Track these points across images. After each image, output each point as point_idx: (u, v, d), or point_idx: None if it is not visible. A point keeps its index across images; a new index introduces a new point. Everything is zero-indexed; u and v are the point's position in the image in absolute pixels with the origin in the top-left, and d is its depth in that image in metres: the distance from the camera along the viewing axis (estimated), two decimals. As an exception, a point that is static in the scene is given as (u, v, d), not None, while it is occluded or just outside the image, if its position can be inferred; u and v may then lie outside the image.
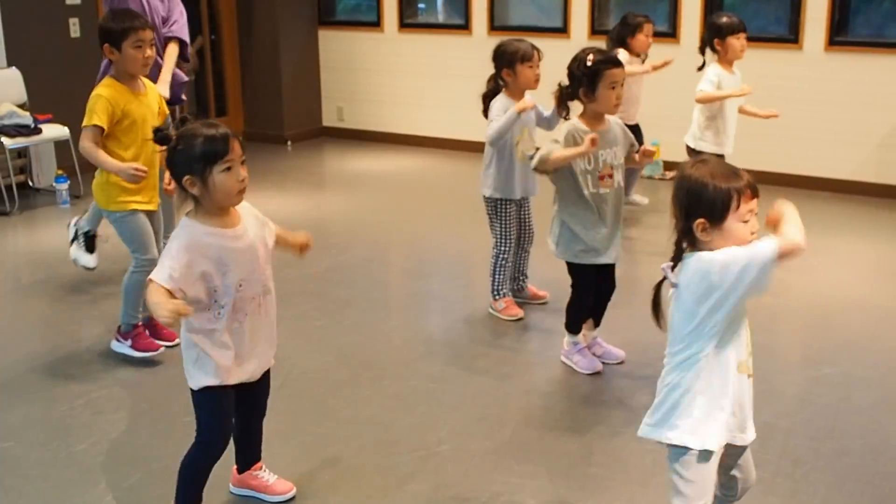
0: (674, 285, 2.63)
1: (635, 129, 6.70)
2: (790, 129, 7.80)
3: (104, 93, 4.32)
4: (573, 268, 4.40)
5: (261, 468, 3.48)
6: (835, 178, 7.73)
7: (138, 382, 4.45)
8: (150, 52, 4.41)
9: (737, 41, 5.62)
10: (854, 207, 7.35)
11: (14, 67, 7.69)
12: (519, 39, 4.98)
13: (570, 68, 4.22)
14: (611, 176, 4.23)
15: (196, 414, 3.15)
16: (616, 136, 4.26)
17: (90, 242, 5.45)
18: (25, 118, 7.42)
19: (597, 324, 4.59)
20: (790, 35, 7.69)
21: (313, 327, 5.07)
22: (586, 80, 4.10)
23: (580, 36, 8.50)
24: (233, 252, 2.98)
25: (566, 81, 4.26)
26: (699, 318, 2.59)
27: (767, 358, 4.71)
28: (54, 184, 7.62)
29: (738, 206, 2.55)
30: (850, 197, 7.59)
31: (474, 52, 9.14)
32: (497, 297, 5.16)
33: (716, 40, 5.69)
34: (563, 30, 8.59)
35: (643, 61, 6.77)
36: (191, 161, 2.88)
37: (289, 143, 9.87)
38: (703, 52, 5.85)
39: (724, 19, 5.72)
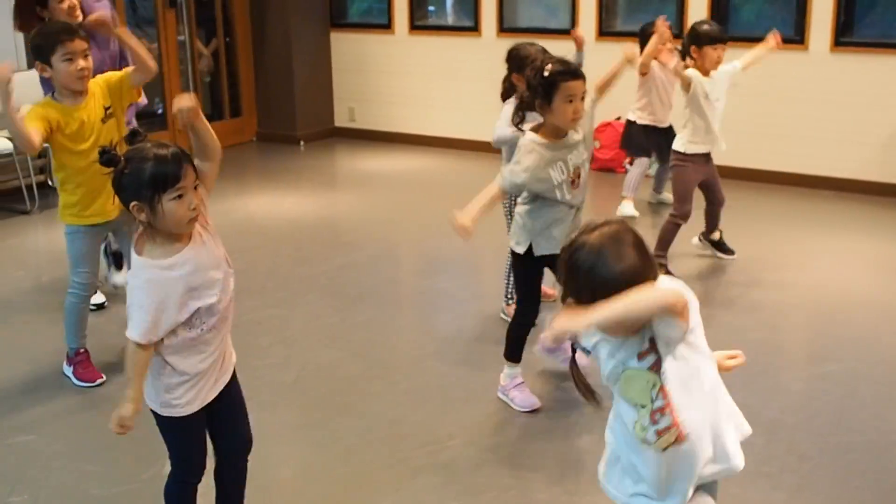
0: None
1: (669, 132, 6.64)
2: (795, 129, 7.79)
3: (37, 108, 4.16)
4: (524, 278, 4.13)
5: None
6: (839, 178, 7.71)
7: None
8: (83, 62, 4.07)
9: (713, 51, 5.43)
10: (858, 206, 7.33)
11: (33, 70, 7.65)
12: (531, 43, 4.88)
13: (526, 77, 3.94)
14: (579, 176, 3.94)
15: (167, 446, 3.00)
16: (577, 135, 3.93)
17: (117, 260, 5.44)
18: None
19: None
20: (796, 36, 7.67)
21: (326, 324, 5.08)
22: (542, 91, 3.75)
23: (588, 37, 8.45)
24: (196, 274, 2.69)
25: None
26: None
27: (773, 354, 4.72)
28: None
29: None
30: (855, 196, 7.56)
31: (483, 53, 9.15)
32: (511, 301, 5.06)
33: (692, 47, 5.51)
34: (570, 31, 8.55)
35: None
36: (139, 187, 2.57)
37: (301, 143, 9.88)
38: (683, 57, 5.63)
39: (705, 27, 5.55)
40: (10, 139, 7.22)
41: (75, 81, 4.09)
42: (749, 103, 7.39)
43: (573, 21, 8.59)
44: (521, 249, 4.04)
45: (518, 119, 4.12)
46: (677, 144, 5.66)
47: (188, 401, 2.82)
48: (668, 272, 5.52)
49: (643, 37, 6.62)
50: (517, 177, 3.87)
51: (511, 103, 4.67)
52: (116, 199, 2.91)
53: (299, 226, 6.81)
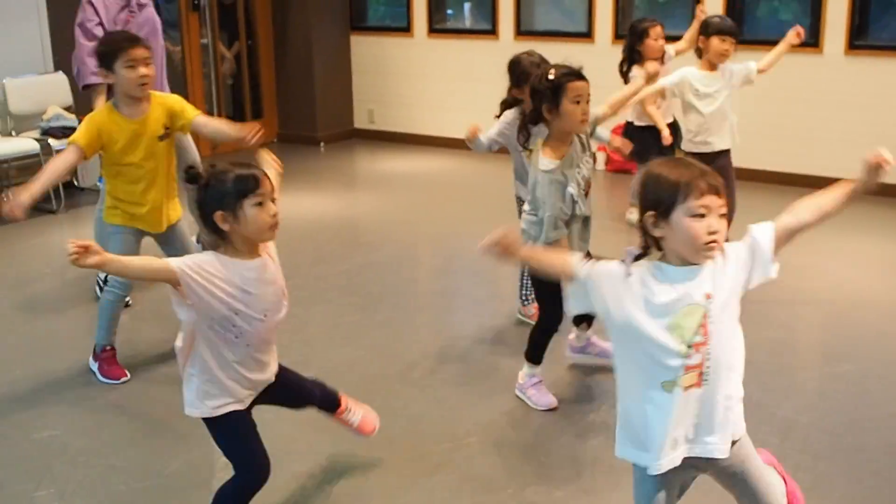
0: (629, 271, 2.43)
1: (674, 126, 6.48)
2: (810, 131, 7.76)
3: (94, 118, 4.20)
4: (543, 283, 3.99)
5: (346, 410, 3.53)
6: (854, 180, 7.64)
7: (178, 374, 4.47)
8: (144, 70, 4.10)
9: (720, 43, 5.31)
10: (871, 208, 7.27)
11: (60, 72, 7.75)
12: (529, 52, 4.76)
13: (531, 85, 3.88)
14: (590, 186, 3.94)
15: (223, 451, 3.09)
16: (581, 145, 3.91)
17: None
18: (71, 121, 7.47)
19: (590, 324, 4.38)
20: (811, 39, 7.62)
21: (346, 322, 5.08)
22: (549, 95, 3.73)
23: (604, 41, 8.48)
24: (256, 282, 2.88)
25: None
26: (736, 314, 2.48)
27: (787, 354, 4.70)
28: (98, 184, 7.65)
29: (686, 198, 2.31)
30: (869, 197, 7.47)
31: (501, 56, 9.05)
32: (526, 302, 5.06)
33: (701, 38, 5.44)
34: (587, 34, 8.56)
35: (664, 62, 6.36)
36: (223, 196, 2.77)
37: (322, 144, 9.89)
38: (697, 51, 5.58)
39: (715, 19, 5.48)
40: (37, 140, 7.28)
41: (136, 88, 4.12)
42: (764, 106, 7.37)
43: (590, 24, 8.58)
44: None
45: (524, 138, 4.09)
46: (685, 146, 5.63)
47: (224, 403, 2.97)
48: None
49: (633, 37, 6.38)
50: (552, 210, 3.80)
51: (512, 112, 4.60)
52: (169, 214, 3.82)
53: (319, 226, 6.82)
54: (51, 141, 7.31)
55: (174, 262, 2.79)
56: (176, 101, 4.36)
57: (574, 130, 3.83)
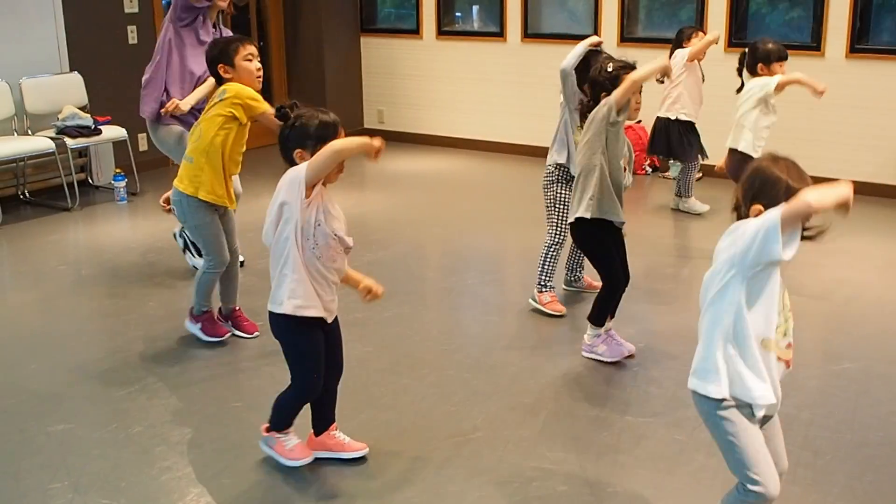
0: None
1: (692, 127, 6.83)
2: (812, 133, 7.74)
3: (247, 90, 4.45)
4: (603, 261, 4.39)
5: (336, 429, 3.62)
6: (854, 180, 7.53)
7: (189, 370, 4.48)
8: (258, 64, 4.49)
9: (780, 68, 5.77)
10: (874, 208, 7.28)
11: (76, 72, 7.76)
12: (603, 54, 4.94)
13: (591, 76, 4.23)
14: (629, 163, 4.40)
15: (290, 364, 3.40)
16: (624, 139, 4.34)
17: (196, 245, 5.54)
18: (86, 120, 7.49)
19: (612, 315, 4.51)
20: (813, 42, 7.63)
21: (355, 318, 5.07)
22: (609, 85, 4.10)
23: (610, 43, 8.45)
24: (331, 209, 3.27)
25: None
26: (724, 282, 2.61)
27: (789, 352, 4.69)
28: (113, 182, 7.69)
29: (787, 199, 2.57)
30: (870, 198, 7.50)
31: (508, 58, 9.15)
32: (543, 289, 5.08)
33: (760, 65, 5.78)
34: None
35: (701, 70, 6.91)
36: (305, 137, 3.19)
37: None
38: (740, 73, 5.95)
39: (770, 45, 5.80)
40: (52, 139, 7.29)
41: (255, 80, 4.47)
42: (767, 108, 7.35)
43: (596, 27, 8.57)
44: (588, 214, 4.25)
45: (581, 120, 4.43)
46: (746, 148, 5.80)
47: (308, 304, 3.26)
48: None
49: (679, 38, 6.87)
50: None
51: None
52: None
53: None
54: (66, 140, 7.32)
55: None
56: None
57: (630, 118, 4.23)
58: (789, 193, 2.57)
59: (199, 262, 5.42)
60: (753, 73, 5.80)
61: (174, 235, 5.78)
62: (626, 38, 8.41)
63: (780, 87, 5.68)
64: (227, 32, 5.71)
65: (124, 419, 4.00)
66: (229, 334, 4.76)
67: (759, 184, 2.65)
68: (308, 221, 3.19)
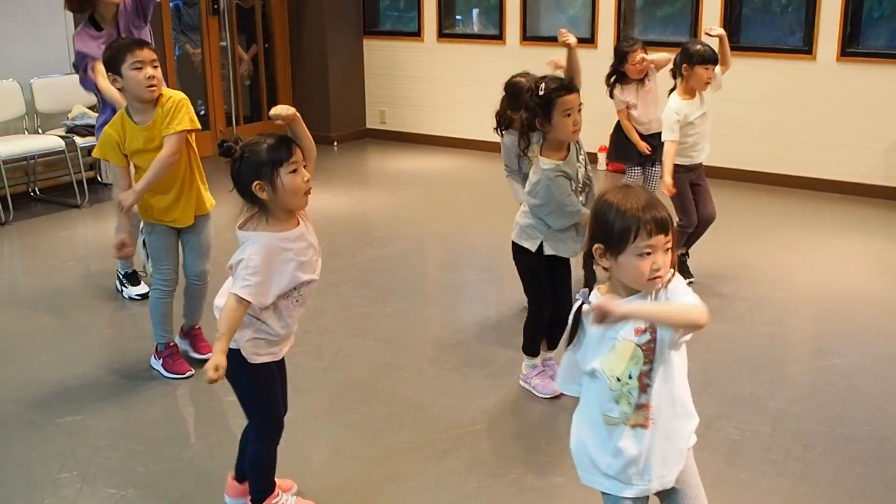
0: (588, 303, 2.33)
1: (655, 138, 6.34)
2: (804, 135, 7.74)
3: (108, 133, 4.08)
4: (534, 275, 4.10)
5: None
6: (845, 181, 7.66)
7: (197, 363, 4.47)
8: (151, 71, 3.96)
9: (704, 72, 5.19)
10: (863, 208, 7.28)
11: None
12: (525, 73, 4.70)
13: (524, 100, 3.86)
14: (589, 186, 3.95)
15: (246, 408, 3.09)
16: (577, 152, 3.89)
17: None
18: (95, 119, 7.48)
19: (550, 346, 4.16)
20: (804, 46, 7.62)
21: (357, 314, 5.09)
22: (540, 110, 3.73)
23: (607, 45, 8.43)
24: (307, 251, 2.91)
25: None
26: None
27: (780, 348, 4.69)
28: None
29: (634, 240, 2.23)
30: (860, 199, 7.51)
31: (508, 60, 9.13)
32: None
33: (684, 65, 5.25)
34: (590, 40, 8.54)
35: (647, 78, 6.01)
36: (259, 166, 2.78)
37: (335, 143, 9.89)
38: (674, 75, 5.40)
39: (697, 47, 5.25)
40: (62, 137, 7.29)
41: (144, 90, 3.97)
42: (760, 110, 7.36)
43: (593, 30, 8.57)
44: (533, 247, 3.99)
45: (524, 144, 3.98)
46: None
47: (266, 352, 2.97)
48: (686, 268, 5.52)
49: (619, 56, 5.97)
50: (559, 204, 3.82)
51: (510, 134, 4.54)
52: (192, 206, 3.81)
53: (332, 221, 6.82)
54: (75, 138, 7.33)
55: (240, 293, 2.75)
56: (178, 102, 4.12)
57: (567, 140, 3.82)
58: (619, 224, 2.26)
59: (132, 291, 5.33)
60: (679, 74, 5.30)
61: None
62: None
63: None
64: (143, 32, 5.15)
65: (132, 411, 4.00)
66: (191, 372, 4.31)
67: (594, 219, 2.35)
68: (286, 293, 2.90)
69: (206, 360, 4.08)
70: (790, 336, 4.95)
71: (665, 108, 5.31)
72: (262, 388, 3.04)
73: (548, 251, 3.98)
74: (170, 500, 3.32)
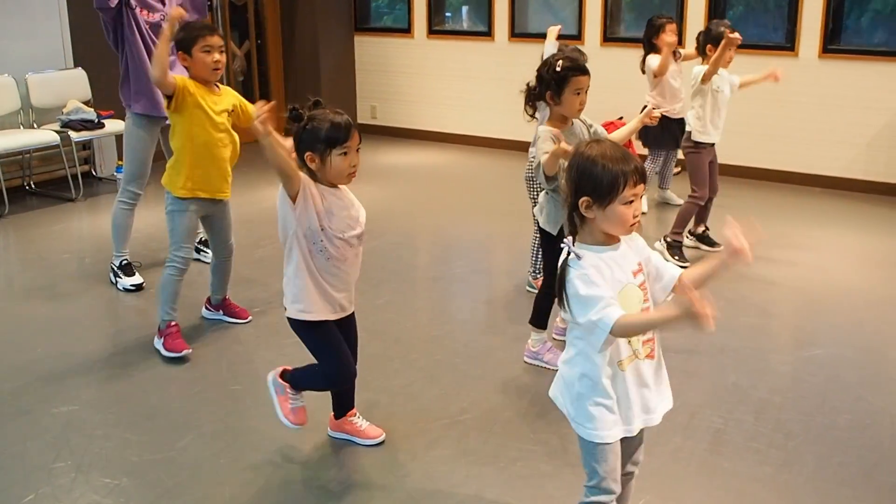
0: (577, 256, 2.46)
1: (682, 123, 6.51)
2: (786, 130, 7.76)
3: (183, 77, 4.31)
4: (553, 256, 4.10)
5: (355, 415, 3.62)
6: (826, 175, 7.68)
7: (189, 355, 4.47)
8: (220, 57, 4.30)
9: (728, 52, 5.43)
10: (844, 202, 7.30)
11: (80, 68, 7.73)
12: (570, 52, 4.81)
13: (539, 71, 4.01)
14: None
15: (314, 356, 3.34)
16: (581, 133, 4.06)
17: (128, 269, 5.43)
18: (90, 114, 7.46)
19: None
20: (787, 43, 7.64)
21: (348, 306, 5.07)
22: (554, 85, 3.89)
23: (594, 42, 8.46)
24: (339, 208, 3.17)
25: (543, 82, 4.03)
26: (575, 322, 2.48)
27: (763, 339, 4.70)
28: (115, 173, 7.66)
29: (622, 189, 2.39)
30: (841, 192, 7.53)
31: (496, 57, 9.14)
32: (538, 275, 5.08)
33: (709, 46, 5.56)
34: (577, 37, 8.54)
35: (676, 59, 6.62)
36: (315, 141, 3.06)
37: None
38: (701, 54, 5.73)
39: (722, 28, 5.52)
40: (57, 132, 7.26)
41: (210, 73, 4.29)
42: (744, 106, 7.35)
43: (580, 27, 8.56)
44: (554, 231, 4.05)
45: (532, 110, 4.16)
46: (694, 136, 5.63)
47: (311, 309, 3.22)
48: (681, 252, 5.61)
49: (651, 30, 6.54)
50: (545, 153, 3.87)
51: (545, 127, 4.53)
52: (229, 182, 4.25)
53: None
54: (70, 133, 7.30)
55: (301, 173, 3.07)
56: (244, 101, 4.53)
57: (572, 116, 4.00)
58: (607, 177, 2.39)
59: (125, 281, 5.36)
60: (705, 55, 5.62)
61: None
62: (609, 37, 8.41)
63: (704, 79, 5.52)
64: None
65: (126, 401, 3.99)
66: (188, 350, 4.40)
67: (578, 173, 2.46)
68: (310, 228, 3.12)
69: (244, 323, 4.38)
70: (772, 327, 4.96)
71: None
72: (320, 343, 3.30)
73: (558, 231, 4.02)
74: (163, 488, 3.31)
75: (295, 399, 3.42)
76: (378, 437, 3.58)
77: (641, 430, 2.64)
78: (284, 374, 3.44)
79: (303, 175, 3.09)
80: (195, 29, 4.33)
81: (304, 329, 3.27)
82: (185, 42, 4.28)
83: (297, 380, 3.42)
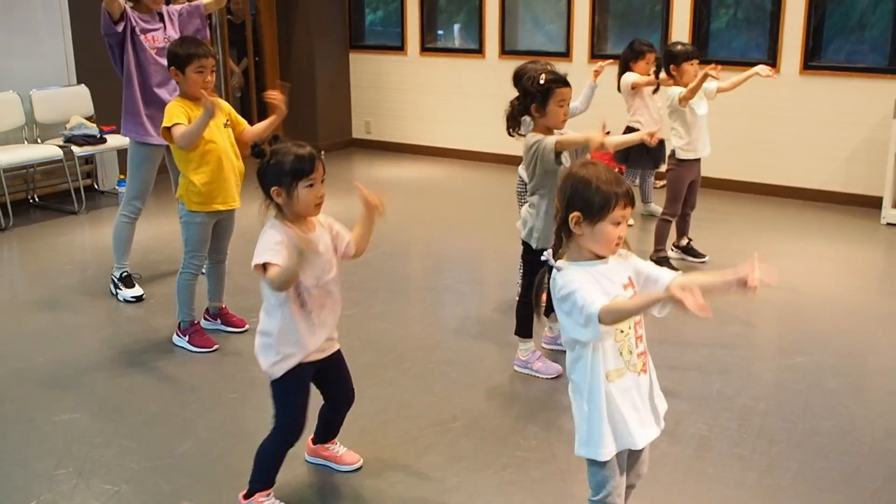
0: (557, 269, 2.50)
1: (661, 144, 6.47)
2: (768, 143, 7.77)
3: (176, 102, 4.32)
4: (531, 265, 4.14)
5: (334, 443, 3.50)
6: (807, 188, 7.69)
7: (186, 363, 4.46)
8: (210, 77, 4.34)
9: (690, 67, 5.50)
10: (824, 214, 7.31)
11: (82, 85, 7.72)
12: (533, 62, 4.83)
13: (523, 85, 4.02)
14: None
15: (275, 405, 3.10)
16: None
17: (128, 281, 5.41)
18: (92, 129, 7.45)
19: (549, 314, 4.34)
20: (769, 60, 7.64)
21: (343, 315, 4.99)
22: (539, 97, 3.90)
23: (581, 59, 8.47)
24: (323, 254, 3.03)
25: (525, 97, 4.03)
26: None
27: (747, 347, 4.70)
28: (117, 187, 7.65)
29: (613, 209, 2.43)
30: (821, 205, 7.55)
31: (487, 73, 9.14)
32: None
33: (671, 66, 5.57)
34: (566, 54, 8.56)
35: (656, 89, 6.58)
36: (281, 174, 2.93)
37: (322, 152, 9.70)
38: (657, 74, 5.80)
39: (679, 47, 5.58)
40: (60, 146, 7.24)
41: (199, 91, 4.28)
42: (726, 120, 7.38)
43: (568, 45, 8.58)
44: (534, 244, 4.08)
45: (515, 125, 4.15)
46: (678, 154, 5.65)
47: (282, 358, 3.01)
48: (670, 266, 5.60)
49: (630, 53, 6.61)
50: (546, 140, 3.91)
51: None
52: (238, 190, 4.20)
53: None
54: (73, 148, 7.29)
55: (271, 260, 2.85)
56: (232, 112, 4.61)
57: (556, 127, 4.00)
58: (600, 196, 2.43)
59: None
60: (669, 75, 5.63)
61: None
62: (596, 54, 8.41)
63: (682, 102, 5.48)
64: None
65: (125, 409, 3.97)
66: (217, 346, 4.58)
67: (572, 190, 2.49)
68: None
69: (241, 332, 4.22)
70: (756, 336, 4.96)
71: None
72: (286, 394, 3.09)
73: (541, 246, 4.03)
74: (162, 495, 3.29)
75: (269, 503, 3.14)
76: (356, 462, 3.46)
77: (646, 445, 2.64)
78: (246, 494, 3.13)
79: (284, 254, 2.85)
80: (191, 47, 4.35)
81: (281, 382, 3.06)
82: (179, 60, 4.31)
83: (259, 479, 3.12)
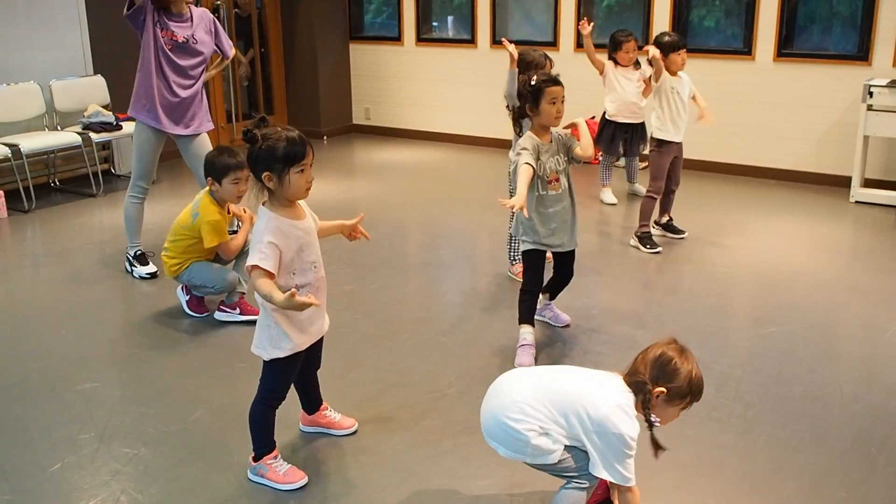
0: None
1: (640, 127, 6.70)
2: (744, 127, 7.76)
3: (215, 209, 4.45)
4: (528, 257, 4.13)
5: (327, 409, 3.48)
6: (780, 168, 7.69)
7: (201, 334, 4.46)
8: (244, 187, 4.40)
9: (678, 56, 5.51)
10: (796, 193, 7.31)
11: (99, 75, 7.67)
12: (534, 49, 4.85)
13: (518, 88, 4.05)
14: (556, 180, 3.98)
15: (262, 378, 3.07)
16: (558, 146, 4.00)
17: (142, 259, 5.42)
18: (109, 117, 7.41)
19: (552, 298, 4.49)
20: (744, 48, 7.63)
21: (344, 290, 5.06)
22: (531, 97, 3.89)
23: (567, 48, 8.44)
24: (307, 239, 2.96)
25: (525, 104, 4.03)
26: None
27: (723, 318, 4.70)
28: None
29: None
30: (794, 184, 7.54)
31: (479, 62, 9.11)
32: (514, 262, 5.13)
33: (661, 55, 5.52)
34: (553, 43, 8.52)
35: (637, 68, 6.67)
36: (273, 160, 2.79)
37: (324, 137, 9.83)
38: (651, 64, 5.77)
39: (667, 38, 5.56)
40: (79, 133, 7.21)
41: (235, 199, 4.49)
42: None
43: (555, 35, 8.54)
44: (517, 234, 4.11)
45: (518, 128, 4.24)
46: (656, 134, 5.64)
47: (281, 346, 2.97)
48: (652, 241, 5.63)
49: (611, 45, 6.64)
50: (522, 157, 3.88)
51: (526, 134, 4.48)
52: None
53: (323, 207, 6.73)
54: (91, 134, 7.26)
55: (261, 265, 2.79)
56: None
57: (549, 125, 3.96)
58: (691, 385, 2.61)
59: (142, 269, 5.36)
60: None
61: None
62: (581, 44, 8.37)
63: (655, 78, 5.57)
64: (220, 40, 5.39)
65: (142, 378, 3.97)
66: (207, 313, 4.70)
67: (661, 368, 2.62)
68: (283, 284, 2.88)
69: (256, 319, 4.14)
70: (732, 307, 4.96)
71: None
72: (279, 375, 3.07)
73: (525, 247, 4.10)
74: (178, 457, 3.30)
75: (278, 465, 3.15)
76: (352, 426, 3.45)
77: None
78: (255, 458, 3.16)
79: (259, 262, 2.79)
80: (227, 159, 4.41)
81: (274, 364, 3.03)
82: (216, 170, 4.41)
83: (261, 445, 3.15)
